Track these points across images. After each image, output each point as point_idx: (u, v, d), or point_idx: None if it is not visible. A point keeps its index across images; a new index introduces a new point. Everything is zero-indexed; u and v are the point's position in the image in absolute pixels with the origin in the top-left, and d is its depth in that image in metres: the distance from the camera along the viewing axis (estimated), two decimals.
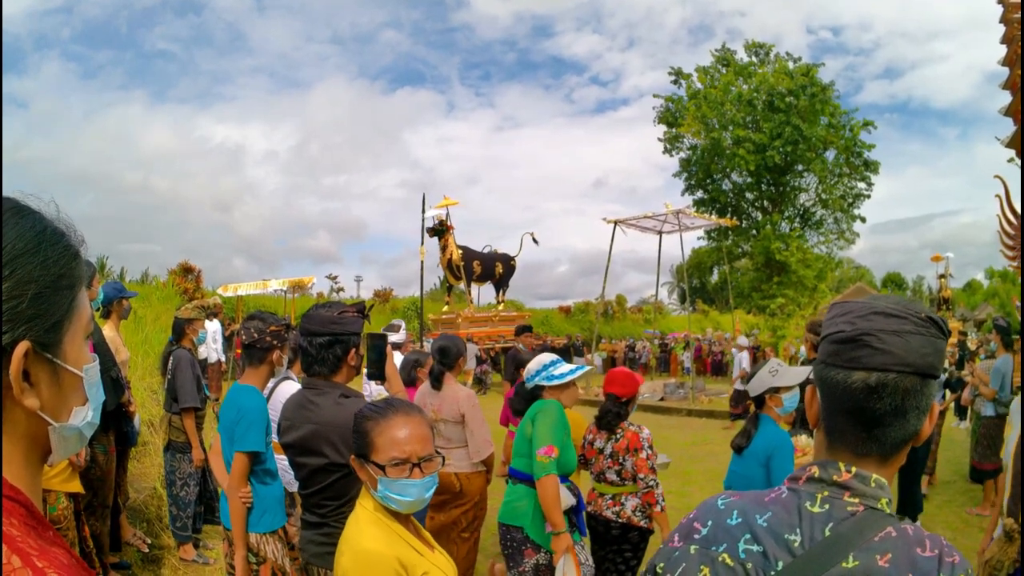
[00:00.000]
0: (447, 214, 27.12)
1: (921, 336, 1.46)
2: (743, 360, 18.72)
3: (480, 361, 26.55)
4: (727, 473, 4.93)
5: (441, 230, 26.56)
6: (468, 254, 27.73)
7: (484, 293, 31.47)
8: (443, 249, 26.94)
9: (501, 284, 30.07)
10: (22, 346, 0.99)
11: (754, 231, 43.60)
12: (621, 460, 5.26)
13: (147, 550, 7.02)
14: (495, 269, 29.14)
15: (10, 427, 1.03)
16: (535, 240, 30.29)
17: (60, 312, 1.07)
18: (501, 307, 30.14)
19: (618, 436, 5.32)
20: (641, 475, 5.20)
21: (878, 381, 1.44)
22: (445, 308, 28.95)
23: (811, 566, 1.40)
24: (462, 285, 28.28)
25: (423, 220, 24.79)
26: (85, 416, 1.14)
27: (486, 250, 29.66)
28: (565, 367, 5.12)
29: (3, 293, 0.98)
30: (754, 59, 44.07)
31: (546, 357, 5.14)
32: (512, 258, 30.11)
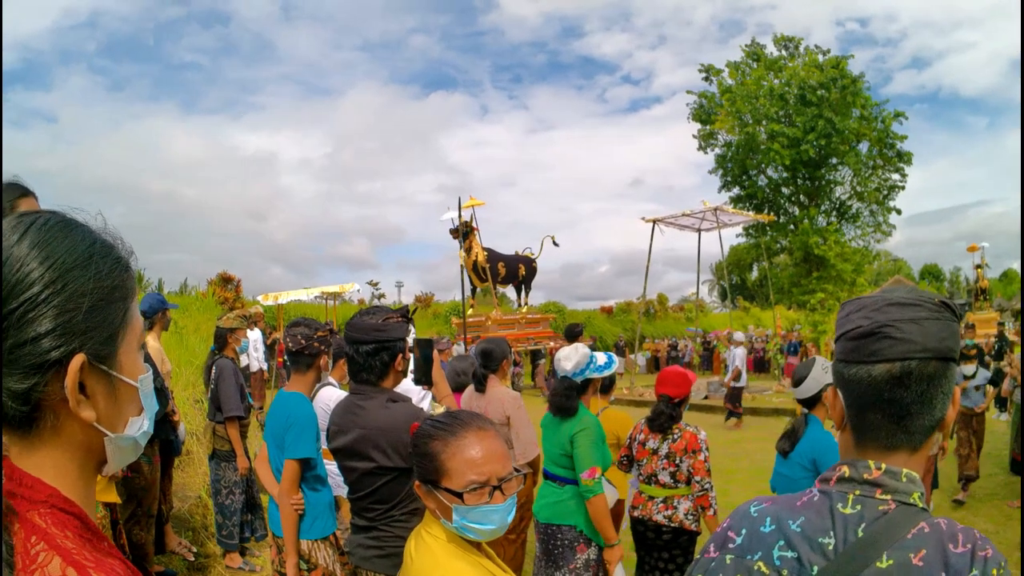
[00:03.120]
0: (472, 215, 27.06)
1: (937, 321, 1.47)
2: (736, 358, 18.30)
3: (515, 363, 26.50)
4: (772, 474, 4.86)
5: (465, 231, 26.40)
6: (493, 256, 27.72)
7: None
8: (468, 251, 26.75)
9: (524, 286, 30.05)
10: (77, 359, 0.99)
11: (792, 226, 43.45)
12: (678, 461, 5.17)
13: (192, 558, 7.08)
14: (518, 271, 29.15)
15: (66, 439, 1.03)
16: (555, 243, 30.29)
17: (115, 324, 1.07)
18: (525, 308, 30.07)
19: (675, 436, 5.23)
20: (697, 477, 5.11)
21: (902, 370, 1.45)
22: (470, 311, 28.81)
23: (846, 568, 1.40)
24: (488, 286, 28.19)
25: (459, 221, 24.82)
26: (141, 426, 1.14)
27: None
28: (602, 357, 5.23)
29: (56, 307, 0.99)
30: (783, 53, 43.96)
31: (586, 350, 5.13)
32: (533, 260, 30.10)
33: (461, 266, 17.71)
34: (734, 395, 18.10)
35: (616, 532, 6.10)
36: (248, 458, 7.15)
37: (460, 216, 25.59)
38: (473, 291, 29.15)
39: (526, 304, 30.38)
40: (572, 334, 11.71)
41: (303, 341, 4.38)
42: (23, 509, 0.95)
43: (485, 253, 27.07)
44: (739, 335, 19.96)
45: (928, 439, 1.52)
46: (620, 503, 5.97)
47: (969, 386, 10.09)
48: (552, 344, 26.61)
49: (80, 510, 1.02)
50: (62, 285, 0.99)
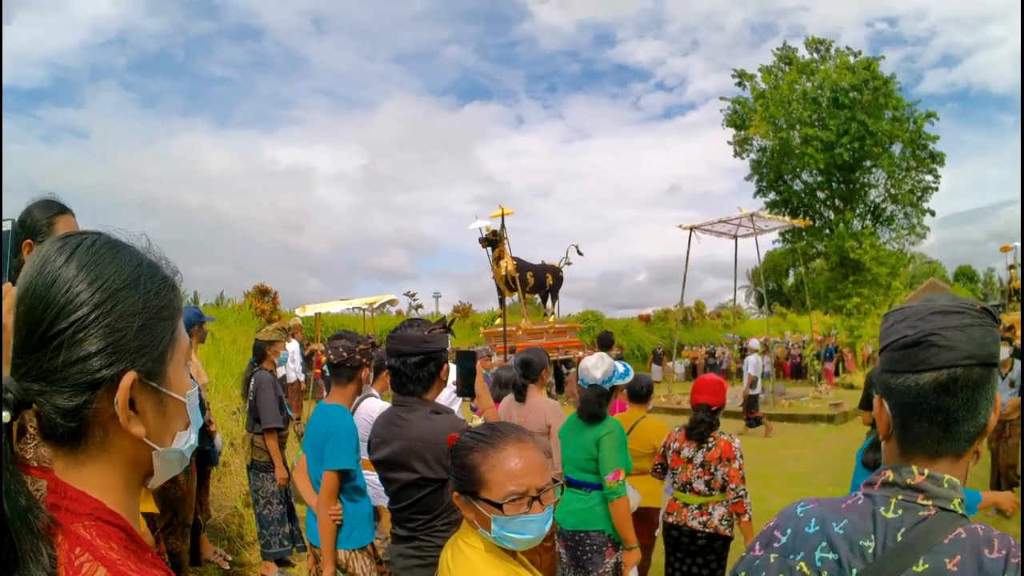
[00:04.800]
0: (502, 224, 26.85)
1: (980, 327, 1.48)
2: (750, 365, 17.93)
3: None
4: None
5: (495, 241, 26.25)
6: (522, 265, 27.38)
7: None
8: (497, 260, 26.55)
9: (551, 295, 29.84)
10: (128, 377, 1.02)
11: (827, 230, 43.23)
12: (712, 470, 5.22)
13: (228, 567, 7.11)
14: (546, 280, 28.90)
15: (114, 454, 1.06)
16: (579, 252, 30.07)
17: (164, 342, 1.10)
18: (553, 318, 29.84)
19: (710, 445, 5.28)
20: (732, 485, 5.17)
21: (949, 377, 1.46)
22: (497, 321, 28.66)
23: (882, 572, 1.42)
24: (515, 297, 27.96)
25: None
26: (188, 440, 1.17)
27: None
28: (620, 366, 5.27)
29: (106, 327, 1.02)
30: (815, 56, 43.75)
31: (609, 359, 5.19)
32: (560, 269, 29.86)
33: (509, 273, 17.61)
34: (751, 402, 17.82)
35: (653, 538, 6.13)
36: (287, 468, 7.18)
37: (502, 225, 25.54)
38: (502, 301, 28.90)
39: (553, 314, 30.20)
40: (607, 342, 11.74)
41: (345, 354, 4.40)
42: (67, 521, 0.97)
43: (514, 263, 26.87)
44: (754, 342, 19.76)
45: (972, 446, 1.52)
46: (656, 511, 5.98)
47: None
48: (580, 353, 26.45)
49: (125, 522, 1.04)
50: (112, 306, 1.03)
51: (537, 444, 2.33)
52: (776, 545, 1.61)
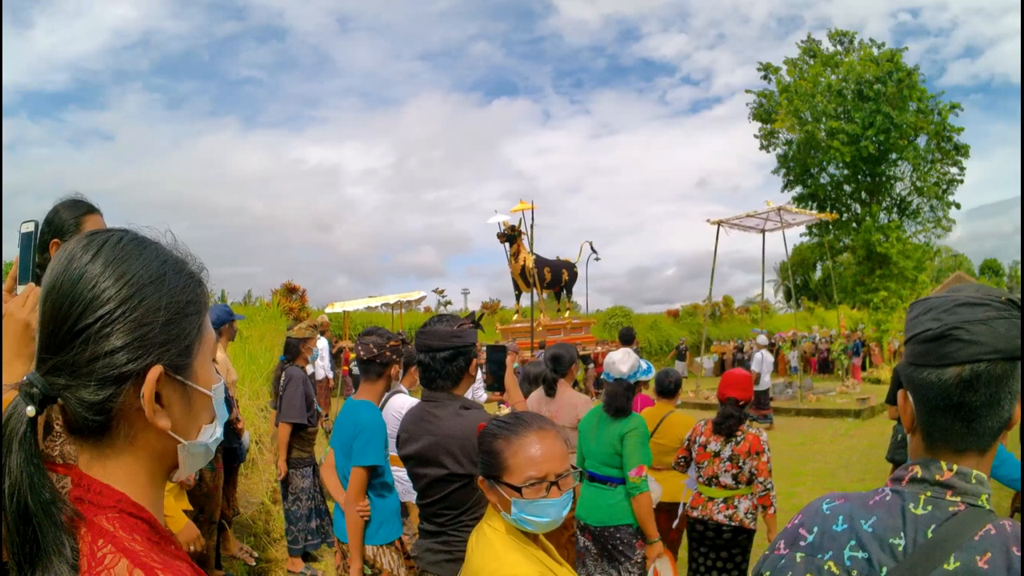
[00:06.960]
0: (521, 219, 26.62)
1: (1005, 320, 1.45)
2: (754, 361, 17.79)
3: None
4: None
5: (513, 236, 26.06)
6: (539, 261, 27.26)
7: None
8: (515, 255, 26.30)
9: (566, 291, 29.71)
10: (155, 370, 1.03)
11: (854, 224, 43.03)
12: (741, 463, 5.24)
13: (254, 563, 7.15)
14: (562, 276, 28.80)
15: (139, 447, 1.07)
16: (593, 249, 29.87)
17: (190, 337, 1.12)
18: (568, 314, 29.60)
19: (738, 439, 5.30)
20: (761, 478, 5.21)
21: (971, 373, 1.44)
22: (515, 317, 28.74)
23: (914, 570, 1.40)
24: (533, 293, 27.76)
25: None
26: (213, 433, 1.19)
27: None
28: (643, 363, 5.41)
29: (132, 322, 1.03)
30: (839, 48, 43.55)
31: (634, 355, 5.23)
32: (575, 265, 29.72)
33: (528, 269, 17.56)
34: (759, 399, 17.47)
35: (680, 533, 6.14)
36: (316, 464, 7.22)
37: (523, 220, 25.46)
38: (518, 296, 28.85)
39: (569, 309, 30.09)
40: (628, 338, 11.78)
41: (375, 350, 4.40)
42: (90, 514, 0.99)
43: (532, 258, 26.68)
44: (762, 337, 19.72)
45: (997, 440, 1.51)
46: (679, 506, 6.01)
47: None
48: (599, 349, 26.38)
49: (149, 515, 1.06)
50: (138, 301, 1.04)
51: (559, 433, 2.45)
52: (802, 544, 1.59)
